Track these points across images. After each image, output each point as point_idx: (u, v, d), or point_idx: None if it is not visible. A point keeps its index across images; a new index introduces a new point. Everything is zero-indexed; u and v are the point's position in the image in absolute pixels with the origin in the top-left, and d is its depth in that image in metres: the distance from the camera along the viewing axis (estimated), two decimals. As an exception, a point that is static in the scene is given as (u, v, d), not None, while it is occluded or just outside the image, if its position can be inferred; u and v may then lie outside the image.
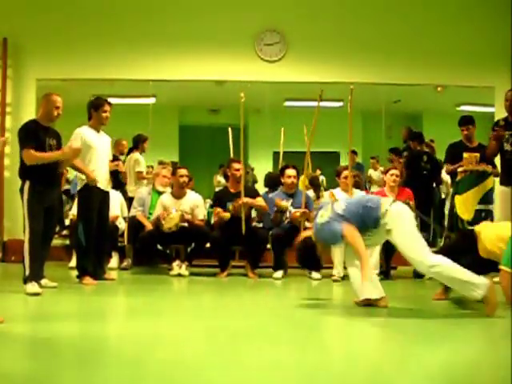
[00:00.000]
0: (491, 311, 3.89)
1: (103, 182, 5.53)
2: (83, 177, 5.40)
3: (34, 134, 4.87)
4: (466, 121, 6.39)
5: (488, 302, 3.89)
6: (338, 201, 6.19)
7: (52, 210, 5.04)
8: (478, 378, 2.62)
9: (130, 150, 7.70)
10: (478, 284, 3.88)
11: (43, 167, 4.84)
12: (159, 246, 6.52)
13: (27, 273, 4.73)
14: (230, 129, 7.18)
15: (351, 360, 2.87)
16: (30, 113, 7.26)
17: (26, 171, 4.86)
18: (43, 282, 5.04)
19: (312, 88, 6.75)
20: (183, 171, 6.44)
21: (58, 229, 9.03)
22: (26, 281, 4.71)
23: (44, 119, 5.02)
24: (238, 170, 6.32)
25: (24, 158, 4.84)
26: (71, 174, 7.93)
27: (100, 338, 3.31)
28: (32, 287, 4.67)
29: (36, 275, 4.80)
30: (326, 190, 7.91)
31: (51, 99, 5.04)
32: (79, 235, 5.44)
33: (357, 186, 6.91)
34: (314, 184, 7.64)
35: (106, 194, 5.61)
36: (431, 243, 6.49)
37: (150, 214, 6.66)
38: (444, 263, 3.93)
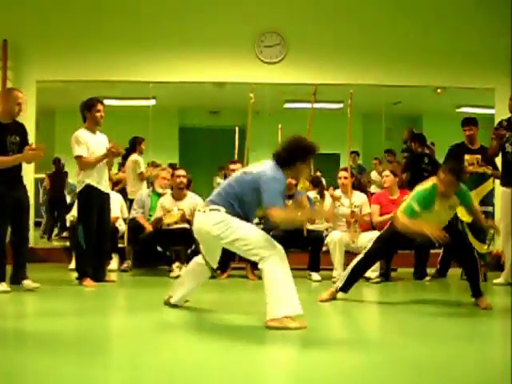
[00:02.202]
0: None
1: (103, 183, 5.51)
2: (84, 178, 5.39)
3: None
4: (469, 121, 6.34)
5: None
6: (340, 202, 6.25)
7: (21, 210, 5.02)
8: (477, 377, 2.62)
9: (128, 153, 7.69)
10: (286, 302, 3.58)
11: (5, 168, 4.82)
12: (159, 248, 6.52)
13: None
14: (236, 128, 7.17)
15: (351, 360, 2.87)
16: (29, 114, 7.26)
17: None
18: (25, 282, 5.01)
19: (312, 90, 6.76)
20: (180, 172, 6.46)
21: (58, 230, 9.08)
22: None
23: (4, 116, 4.94)
24: (233, 170, 6.35)
25: None
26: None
27: (100, 338, 3.31)
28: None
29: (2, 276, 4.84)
30: (326, 189, 7.90)
31: (13, 95, 4.99)
32: (79, 237, 5.43)
33: (359, 187, 6.90)
34: (317, 184, 7.62)
35: (106, 195, 5.59)
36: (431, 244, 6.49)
37: (150, 215, 6.66)
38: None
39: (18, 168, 5.00)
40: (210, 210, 3.86)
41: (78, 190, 5.49)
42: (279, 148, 3.93)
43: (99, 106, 5.42)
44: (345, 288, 4.74)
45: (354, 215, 6.14)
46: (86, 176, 5.38)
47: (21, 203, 5.01)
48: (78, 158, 5.34)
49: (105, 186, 5.54)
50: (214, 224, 3.80)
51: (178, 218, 6.26)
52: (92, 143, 5.40)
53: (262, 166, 3.88)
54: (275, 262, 3.69)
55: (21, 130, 5.05)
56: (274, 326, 3.51)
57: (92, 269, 5.44)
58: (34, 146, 5.00)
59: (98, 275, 5.48)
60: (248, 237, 3.76)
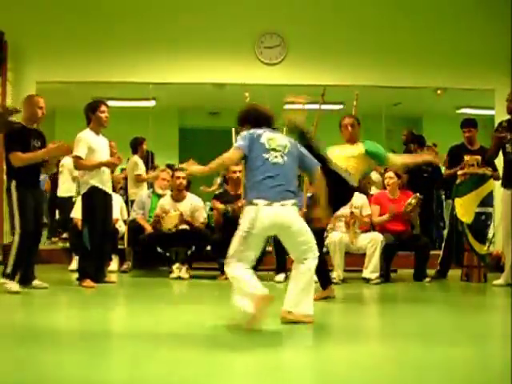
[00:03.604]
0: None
1: (107, 184, 5.54)
2: (88, 180, 5.41)
3: (21, 137, 4.95)
4: (469, 123, 6.36)
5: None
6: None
7: (37, 213, 5.10)
8: (477, 377, 2.62)
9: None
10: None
11: (27, 169, 4.92)
12: (159, 249, 6.52)
13: (8, 270, 4.82)
14: (233, 129, 7.17)
15: (350, 360, 2.86)
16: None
17: (13, 172, 4.93)
18: (34, 282, 5.09)
19: (312, 91, 6.72)
20: (180, 173, 6.47)
21: (59, 232, 9.06)
22: (7, 277, 4.81)
23: (28, 121, 5.09)
24: (235, 172, 6.38)
25: (12, 161, 4.91)
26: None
27: (100, 338, 3.31)
28: (14, 286, 4.79)
29: (16, 275, 4.86)
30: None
31: (34, 100, 5.15)
32: (84, 238, 5.43)
33: (359, 188, 6.86)
34: None
35: (109, 196, 5.62)
36: (431, 246, 6.50)
37: (150, 217, 6.66)
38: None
39: (37, 172, 5.15)
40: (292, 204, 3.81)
41: (82, 191, 5.51)
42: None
43: (103, 107, 5.49)
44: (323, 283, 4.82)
45: (354, 216, 6.13)
46: (90, 177, 5.41)
47: (38, 205, 5.10)
48: (76, 158, 5.38)
49: (108, 187, 5.57)
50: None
51: (177, 221, 6.25)
52: (95, 144, 5.45)
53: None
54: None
55: (41, 137, 5.18)
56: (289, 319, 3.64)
57: (93, 269, 5.44)
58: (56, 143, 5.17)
59: (98, 276, 5.49)
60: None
